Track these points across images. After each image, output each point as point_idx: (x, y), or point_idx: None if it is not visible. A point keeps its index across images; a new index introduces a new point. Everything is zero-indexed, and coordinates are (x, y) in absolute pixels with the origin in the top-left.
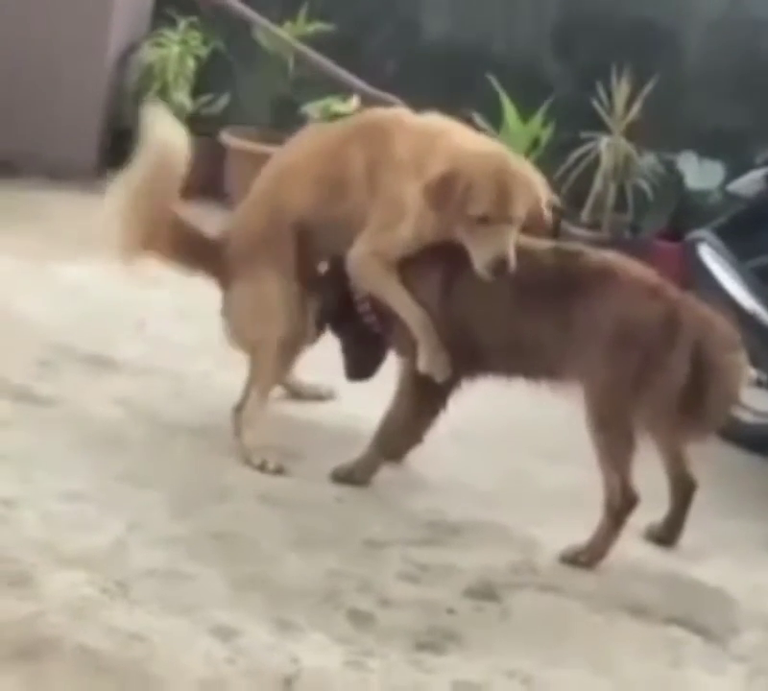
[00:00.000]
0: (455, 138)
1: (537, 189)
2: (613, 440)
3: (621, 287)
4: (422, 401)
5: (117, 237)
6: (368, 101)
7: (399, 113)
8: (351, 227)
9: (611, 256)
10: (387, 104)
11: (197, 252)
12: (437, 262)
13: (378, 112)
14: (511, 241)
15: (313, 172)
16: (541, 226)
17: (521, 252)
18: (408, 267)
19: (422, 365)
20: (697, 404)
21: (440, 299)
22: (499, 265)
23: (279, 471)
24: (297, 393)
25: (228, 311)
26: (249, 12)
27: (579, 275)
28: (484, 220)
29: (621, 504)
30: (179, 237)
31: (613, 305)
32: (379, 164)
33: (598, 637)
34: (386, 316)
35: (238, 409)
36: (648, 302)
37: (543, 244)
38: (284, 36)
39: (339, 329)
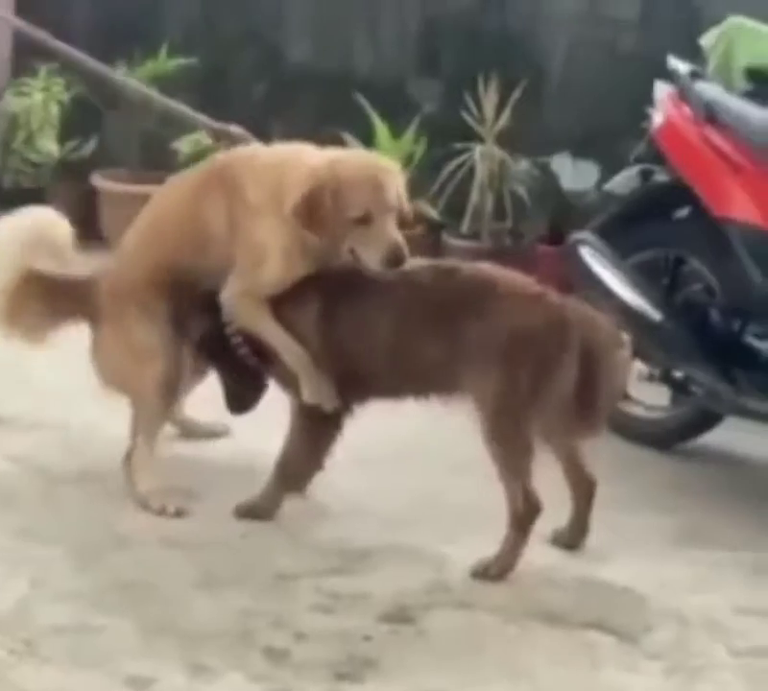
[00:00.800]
0: (303, 158)
1: (399, 176)
2: (511, 451)
3: (502, 297)
4: (317, 430)
5: None
6: (219, 136)
7: (248, 152)
8: (225, 275)
9: (487, 268)
10: (237, 138)
11: (66, 298)
12: (312, 293)
13: (228, 156)
14: (395, 228)
15: (176, 225)
16: (404, 218)
17: (397, 275)
18: (284, 301)
19: (307, 397)
20: (587, 403)
21: (319, 329)
22: (394, 257)
23: (180, 514)
24: (191, 433)
25: (97, 354)
26: (100, 68)
27: (457, 291)
28: (364, 219)
29: (525, 512)
30: (44, 290)
31: (497, 316)
32: (237, 211)
33: (514, 648)
34: (263, 349)
35: (128, 456)
36: (532, 310)
37: (418, 263)
38: (117, 79)
39: (214, 362)
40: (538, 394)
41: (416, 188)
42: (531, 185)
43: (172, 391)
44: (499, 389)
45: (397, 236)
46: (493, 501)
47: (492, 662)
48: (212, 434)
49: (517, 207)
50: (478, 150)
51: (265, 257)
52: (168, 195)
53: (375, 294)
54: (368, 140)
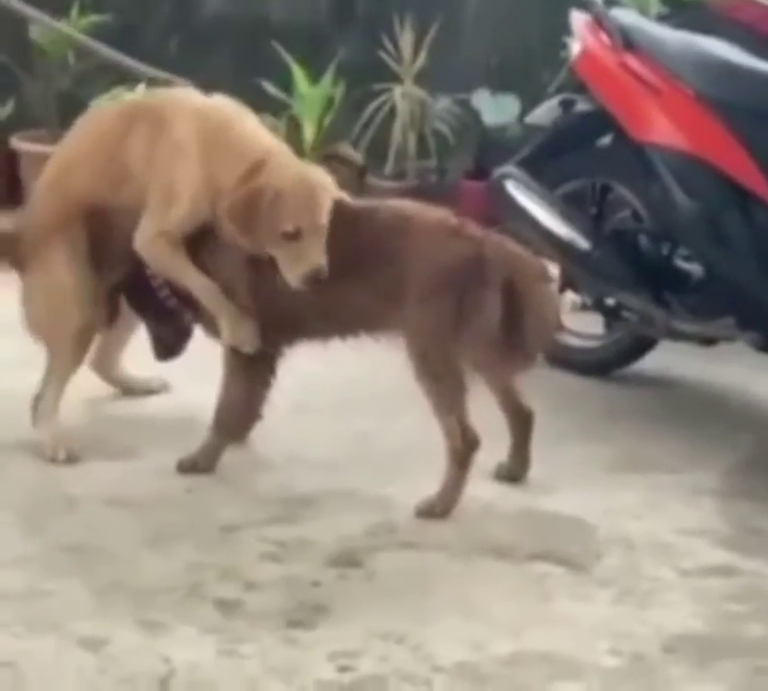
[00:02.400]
0: (242, 117)
1: (332, 190)
2: (443, 386)
3: (421, 233)
4: (250, 376)
5: None
6: (156, 84)
7: (182, 95)
8: (141, 210)
9: (405, 204)
10: (176, 86)
11: None
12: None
13: (160, 95)
14: (322, 250)
15: (95, 158)
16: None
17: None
18: (207, 245)
19: (226, 338)
20: (517, 337)
21: (244, 274)
22: (314, 279)
23: (71, 461)
24: (129, 389)
25: (22, 301)
26: (28, 10)
27: (377, 230)
28: (294, 235)
29: (463, 447)
30: None
31: (417, 252)
32: (157, 146)
33: (464, 585)
34: (186, 293)
35: (36, 399)
36: (451, 243)
37: (337, 204)
38: (63, 28)
39: (138, 308)
40: (463, 329)
41: (337, 131)
42: (452, 123)
43: (87, 338)
44: (424, 326)
45: (321, 259)
46: (431, 441)
47: (442, 600)
48: (150, 389)
49: (441, 145)
50: (398, 90)
51: (176, 197)
52: (87, 126)
53: None
54: (287, 87)
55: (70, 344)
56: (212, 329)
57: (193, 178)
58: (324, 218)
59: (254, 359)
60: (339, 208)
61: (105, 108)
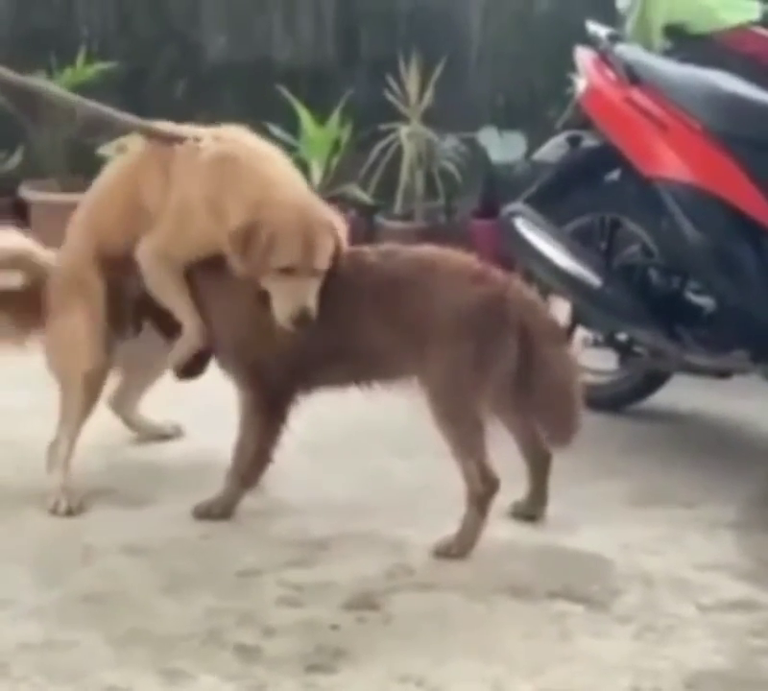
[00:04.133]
0: (264, 167)
1: (338, 234)
2: (463, 430)
3: (444, 278)
4: (266, 425)
5: None
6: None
7: (189, 146)
8: None
9: (426, 249)
10: (171, 137)
11: (27, 305)
12: (249, 283)
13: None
14: (314, 293)
15: (117, 204)
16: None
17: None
18: (219, 288)
19: (170, 358)
20: (529, 392)
21: (257, 317)
22: (302, 317)
23: (70, 513)
24: (143, 432)
25: (45, 344)
26: (30, 83)
27: (399, 274)
28: (288, 271)
29: (483, 490)
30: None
31: (440, 297)
32: (174, 179)
33: (483, 626)
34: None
35: (52, 445)
36: (474, 289)
37: (356, 249)
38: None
39: (162, 329)
40: (483, 371)
41: (345, 172)
42: (460, 161)
43: (97, 382)
44: (445, 368)
45: (311, 301)
46: (446, 479)
47: (462, 641)
48: (163, 434)
49: (448, 184)
50: (404, 130)
51: (182, 219)
52: (110, 174)
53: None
54: (293, 129)
55: (80, 387)
56: (229, 372)
57: (198, 203)
58: (322, 259)
59: (271, 407)
60: (359, 252)
61: (129, 153)
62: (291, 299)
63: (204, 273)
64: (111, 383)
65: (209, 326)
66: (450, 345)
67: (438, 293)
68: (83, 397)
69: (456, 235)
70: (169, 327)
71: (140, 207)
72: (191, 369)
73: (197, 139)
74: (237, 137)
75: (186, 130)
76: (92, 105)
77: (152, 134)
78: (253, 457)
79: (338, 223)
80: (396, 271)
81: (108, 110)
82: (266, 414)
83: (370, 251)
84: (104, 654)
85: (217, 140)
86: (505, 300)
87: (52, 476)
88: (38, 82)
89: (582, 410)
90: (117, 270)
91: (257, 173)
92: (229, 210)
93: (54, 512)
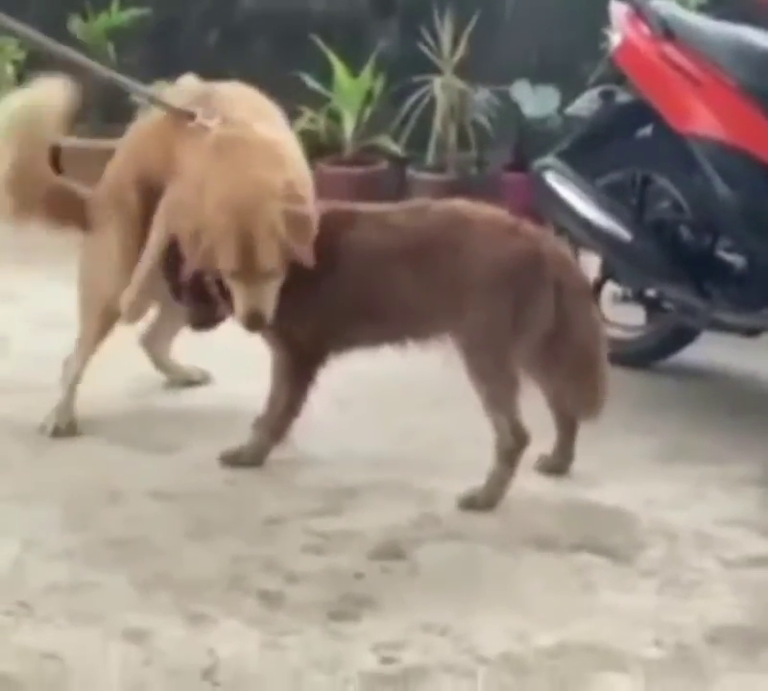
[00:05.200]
0: (255, 161)
1: (298, 226)
2: (496, 384)
3: (478, 231)
4: (296, 383)
5: None
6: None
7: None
8: None
9: (458, 203)
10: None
11: (69, 208)
12: None
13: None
14: (266, 294)
15: (149, 146)
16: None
17: (366, 218)
18: None
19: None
20: (559, 351)
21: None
22: (252, 320)
23: (57, 433)
24: (171, 376)
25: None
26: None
27: (432, 229)
28: (233, 275)
29: (513, 445)
30: (53, 196)
31: (475, 251)
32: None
33: (508, 576)
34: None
35: (66, 363)
36: (509, 242)
37: (385, 207)
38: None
39: (176, 288)
40: (518, 327)
41: (377, 124)
42: (492, 114)
43: (115, 314)
44: (481, 325)
45: (260, 303)
46: (474, 432)
47: (486, 592)
48: (191, 380)
49: (481, 137)
50: (437, 82)
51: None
52: (148, 120)
53: (350, 236)
54: (326, 80)
55: (99, 310)
56: (266, 337)
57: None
58: (266, 262)
59: (301, 367)
60: (385, 211)
61: (175, 94)
62: (241, 303)
63: None
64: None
65: None
66: (486, 302)
67: (472, 249)
68: (100, 321)
69: (487, 188)
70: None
71: (170, 156)
72: (206, 320)
73: (204, 122)
74: (247, 122)
75: (204, 100)
76: (109, 72)
77: (163, 108)
78: (283, 412)
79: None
80: (427, 228)
81: (123, 80)
82: (296, 373)
83: (396, 210)
84: (128, 596)
85: (225, 125)
86: (540, 255)
87: (60, 390)
88: (57, 44)
89: (607, 381)
90: (155, 201)
91: (242, 170)
92: (205, 203)
93: (41, 430)
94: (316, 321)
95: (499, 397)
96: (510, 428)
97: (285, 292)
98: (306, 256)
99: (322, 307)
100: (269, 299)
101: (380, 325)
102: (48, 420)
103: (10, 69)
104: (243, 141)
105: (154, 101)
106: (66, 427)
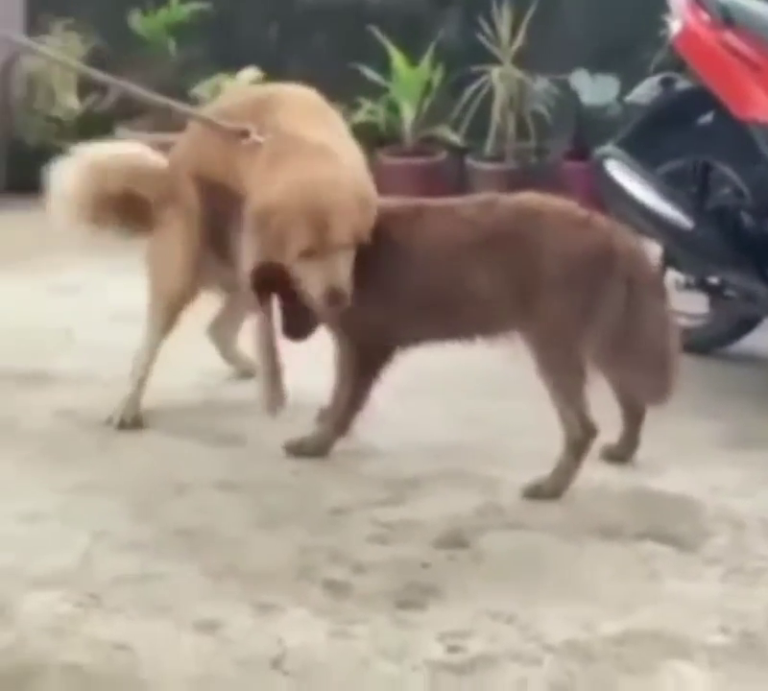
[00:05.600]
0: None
1: (363, 205)
2: (565, 378)
3: (549, 225)
4: (360, 378)
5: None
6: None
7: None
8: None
9: (526, 197)
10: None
11: (140, 211)
12: None
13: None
14: (342, 268)
15: (210, 143)
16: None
17: (435, 213)
18: None
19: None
20: (630, 343)
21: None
22: (333, 296)
23: (122, 426)
24: (236, 366)
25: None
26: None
27: (502, 223)
28: (308, 253)
29: (581, 437)
30: (124, 205)
31: (547, 245)
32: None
33: (573, 565)
34: None
35: (135, 357)
36: (581, 235)
37: (454, 201)
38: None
39: (263, 296)
40: (588, 321)
41: (436, 114)
42: (551, 103)
43: (180, 303)
44: (551, 319)
45: (339, 277)
46: (538, 421)
47: (551, 580)
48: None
49: (540, 126)
50: (496, 72)
51: None
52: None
53: (419, 232)
54: (385, 71)
55: (165, 304)
56: (334, 327)
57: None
58: (344, 236)
59: (365, 362)
60: (455, 205)
61: (233, 96)
62: (318, 281)
63: None
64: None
65: None
66: (558, 296)
67: (544, 243)
68: (166, 315)
69: (547, 177)
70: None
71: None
72: (300, 329)
73: (252, 135)
74: (299, 131)
75: (261, 104)
76: (156, 97)
77: (216, 129)
78: (346, 406)
79: (358, 188)
80: (497, 221)
81: (177, 105)
82: (361, 368)
83: (466, 204)
84: (197, 587)
85: (277, 138)
86: (612, 249)
87: (128, 383)
88: (102, 74)
89: (678, 372)
90: (217, 196)
91: (301, 171)
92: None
93: (108, 423)
94: (384, 316)
95: (568, 390)
96: (578, 421)
97: (354, 286)
98: (366, 237)
99: (390, 302)
100: (346, 275)
101: (449, 320)
102: (115, 413)
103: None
104: (296, 151)
105: (207, 123)
106: (132, 420)
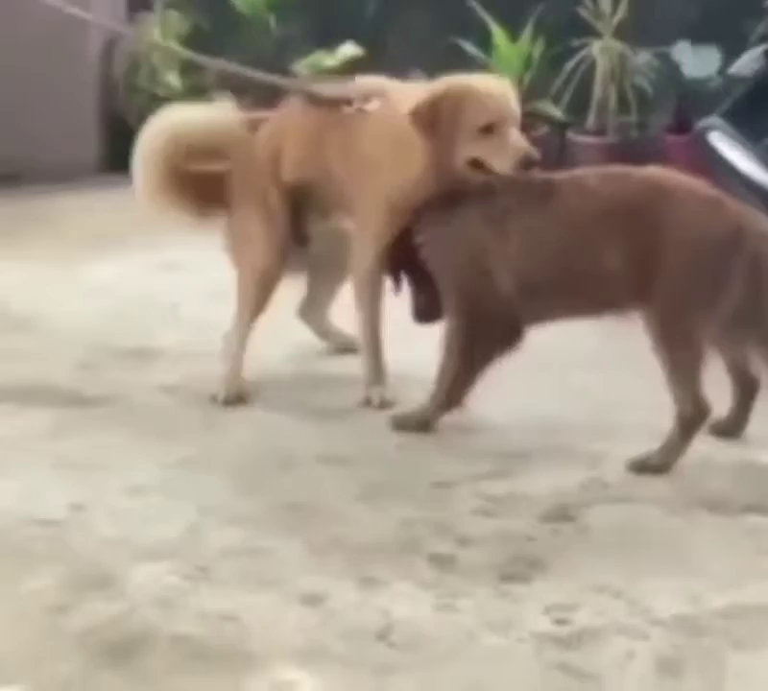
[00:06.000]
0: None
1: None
2: (683, 357)
3: (680, 203)
4: (476, 356)
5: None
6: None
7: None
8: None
9: (659, 172)
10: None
11: (210, 188)
12: (473, 209)
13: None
14: (520, 136)
15: (299, 139)
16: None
17: (566, 185)
18: (440, 219)
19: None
20: (757, 322)
21: (485, 246)
22: (526, 161)
23: (228, 403)
24: (334, 343)
25: (226, 235)
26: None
27: (631, 197)
28: (489, 128)
29: (693, 416)
30: (198, 186)
31: (677, 224)
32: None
33: (679, 539)
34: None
35: (227, 336)
36: (712, 218)
37: (586, 172)
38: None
39: (400, 269)
40: (712, 303)
41: (537, 89)
42: (653, 77)
43: (268, 282)
44: (675, 299)
45: (525, 143)
46: (644, 396)
47: (657, 554)
48: (355, 347)
49: (641, 99)
50: (597, 45)
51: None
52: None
53: (543, 204)
54: (485, 46)
55: (254, 283)
56: (449, 301)
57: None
58: (516, 107)
59: (486, 337)
60: (581, 175)
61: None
62: (507, 150)
63: (432, 216)
64: (298, 291)
65: (435, 264)
66: (684, 275)
67: (672, 222)
68: (255, 293)
69: (649, 150)
70: None
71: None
72: (429, 311)
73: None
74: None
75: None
76: (269, 77)
77: (320, 99)
78: (452, 382)
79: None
80: (625, 196)
81: (283, 81)
82: (473, 344)
83: (592, 174)
84: (302, 560)
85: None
86: (742, 231)
87: (223, 366)
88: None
89: None
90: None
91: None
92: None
93: (213, 400)
94: (511, 288)
95: (684, 369)
96: (692, 399)
97: (481, 258)
98: None
99: (516, 274)
100: (525, 140)
101: (575, 293)
102: (218, 391)
103: (173, 43)
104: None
105: (311, 93)
106: (236, 397)
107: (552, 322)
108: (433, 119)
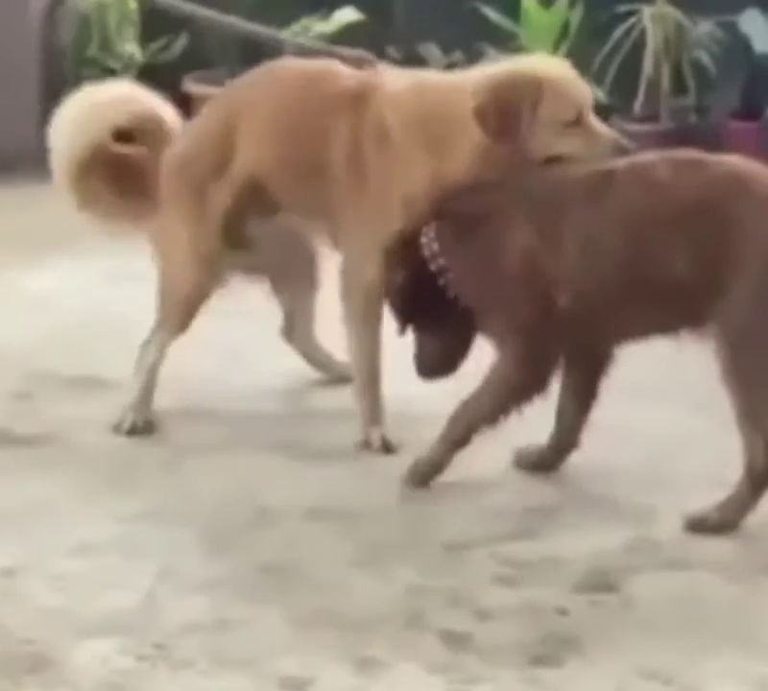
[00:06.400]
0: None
1: None
2: (758, 394)
3: (758, 202)
4: (524, 393)
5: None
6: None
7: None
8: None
9: (738, 162)
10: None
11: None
12: (515, 212)
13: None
14: (603, 124)
15: (273, 128)
16: None
17: (628, 175)
18: (480, 226)
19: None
20: None
21: (532, 256)
22: (620, 147)
23: (133, 432)
24: (326, 371)
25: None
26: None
27: (705, 191)
28: (576, 121)
29: (764, 467)
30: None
31: (752, 227)
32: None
33: (744, 612)
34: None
35: (143, 346)
36: None
37: (651, 160)
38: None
39: (412, 312)
40: None
41: (575, 64)
42: (716, 51)
43: (196, 303)
44: (749, 315)
45: (611, 131)
46: (705, 436)
47: (717, 631)
48: (348, 376)
49: (701, 78)
50: (648, 12)
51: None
52: (273, 87)
53: (600, 201)
54: (512, 12)
55: (175, 303)
56: (496, 334)
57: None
58: (589, 96)
59: (537, 365)
60: (646, 163)
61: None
62: (598, 143)
63: (455, 225)
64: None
65: (468, 287)
66: (759, 287)
67: (751, 219)
68: (178, 310)
69: (709, 139)
70: None
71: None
72: (439, 365)
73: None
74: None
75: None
76: (262, 30)
77: (336, 56)
78: (476, 423)
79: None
80: (699, 188)
81: (268, 31)
82: (529, 372)
83: (659, 162)
84: (283, 636)
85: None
86: None
87: (132, 383)
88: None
89: None
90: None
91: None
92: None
93: (116, 429)
94: (562, 299)
95: (758, 411)
96: (764, 447)
97: (521, 263)
98: None
99: (572, 286)
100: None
101: (641, 306)
102: (123, 419)
103: (134, 5)
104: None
105: (327, 51)
106: (143, 425)
107: (619, 344)
108: (506, 116)
